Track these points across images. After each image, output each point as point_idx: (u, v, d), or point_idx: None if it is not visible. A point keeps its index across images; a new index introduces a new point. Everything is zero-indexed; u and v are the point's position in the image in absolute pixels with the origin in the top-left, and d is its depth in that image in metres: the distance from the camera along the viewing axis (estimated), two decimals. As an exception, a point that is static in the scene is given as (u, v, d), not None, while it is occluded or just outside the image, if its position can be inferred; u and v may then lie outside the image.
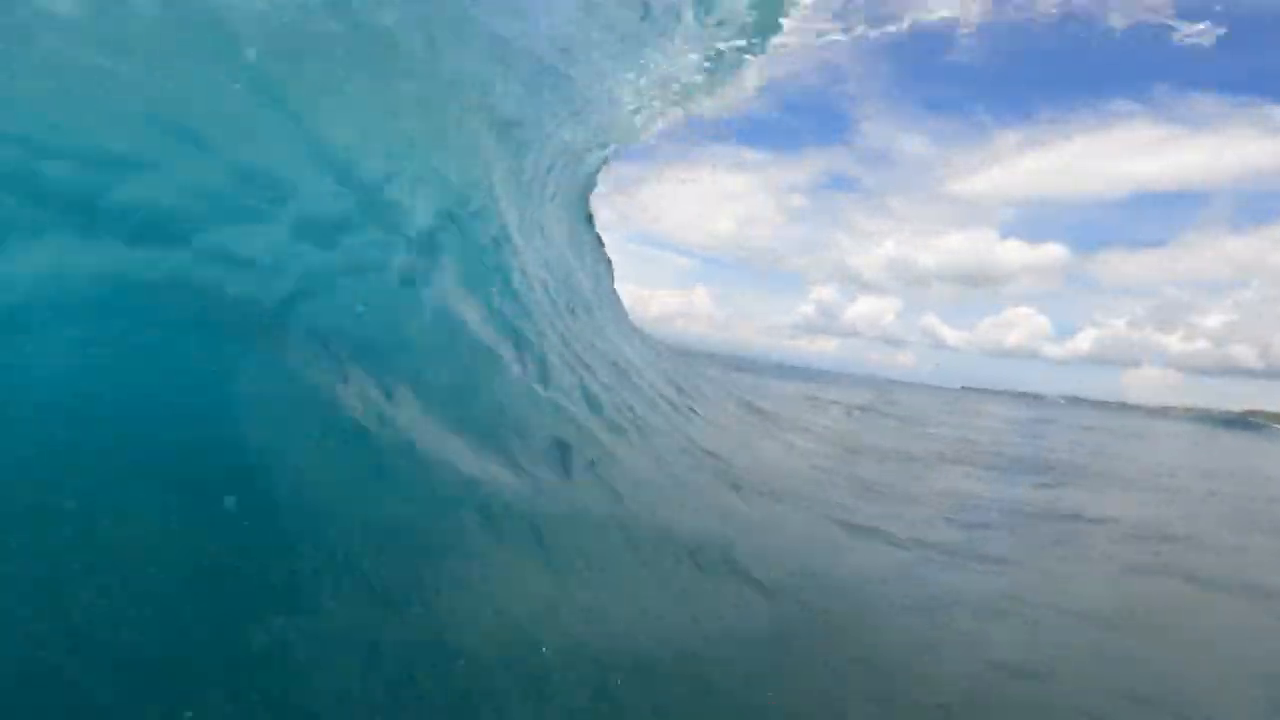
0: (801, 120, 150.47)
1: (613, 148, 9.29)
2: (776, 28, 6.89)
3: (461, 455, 3.33)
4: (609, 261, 11.74)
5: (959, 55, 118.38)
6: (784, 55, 7.17)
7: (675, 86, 7.42)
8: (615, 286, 11.87)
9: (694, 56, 6.84)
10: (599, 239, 11.52)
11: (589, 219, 11.12)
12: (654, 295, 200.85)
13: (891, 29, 7.96)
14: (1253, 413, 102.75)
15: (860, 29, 7.45)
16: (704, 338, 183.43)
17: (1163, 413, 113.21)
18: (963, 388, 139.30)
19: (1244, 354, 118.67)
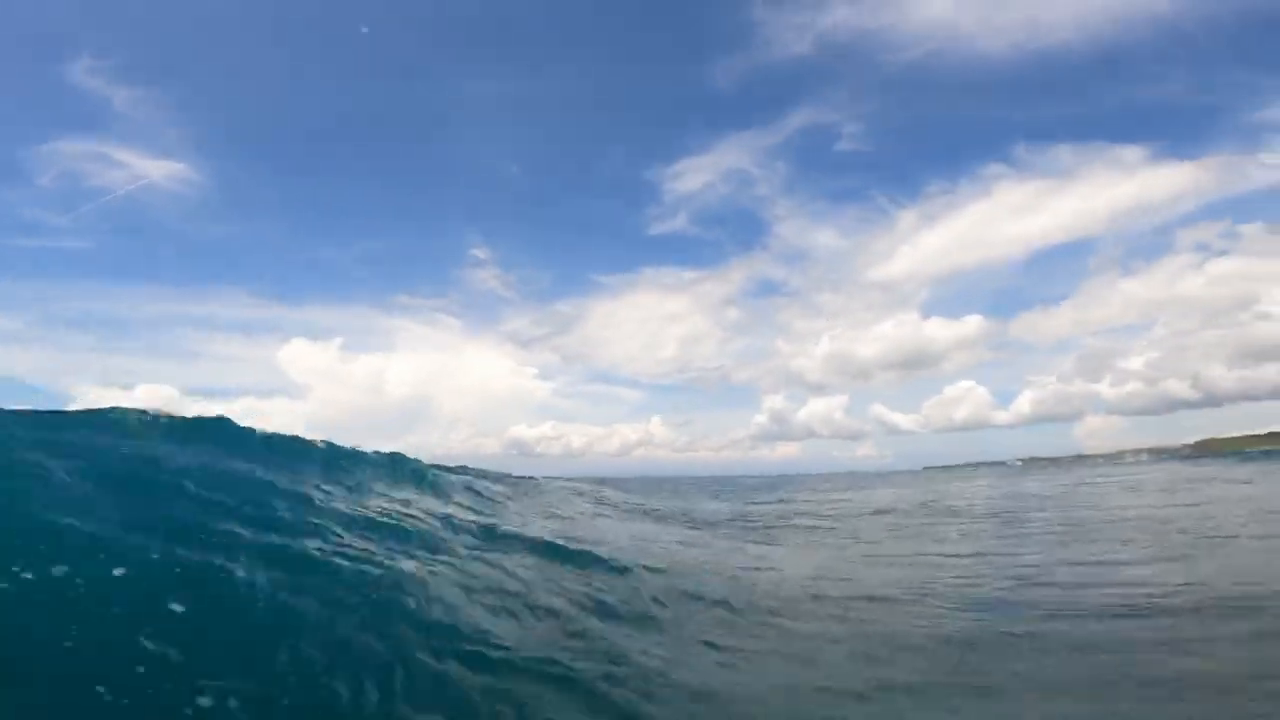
0: (722, 231, 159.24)
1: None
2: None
3: None
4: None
5: (846, 144, 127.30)
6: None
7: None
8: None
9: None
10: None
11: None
12: (612, 431, 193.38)
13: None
14: (1207, 442, 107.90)
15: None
16: (666, 463, 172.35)
17: (1118, 457, 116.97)
18: (925, 468, 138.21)
19: (1176, 387, 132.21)
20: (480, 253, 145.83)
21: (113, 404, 7.63)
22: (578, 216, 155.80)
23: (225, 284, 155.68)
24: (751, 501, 22.16)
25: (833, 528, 12.94)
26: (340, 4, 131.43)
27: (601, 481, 31.98)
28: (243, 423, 8.52)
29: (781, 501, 21.69)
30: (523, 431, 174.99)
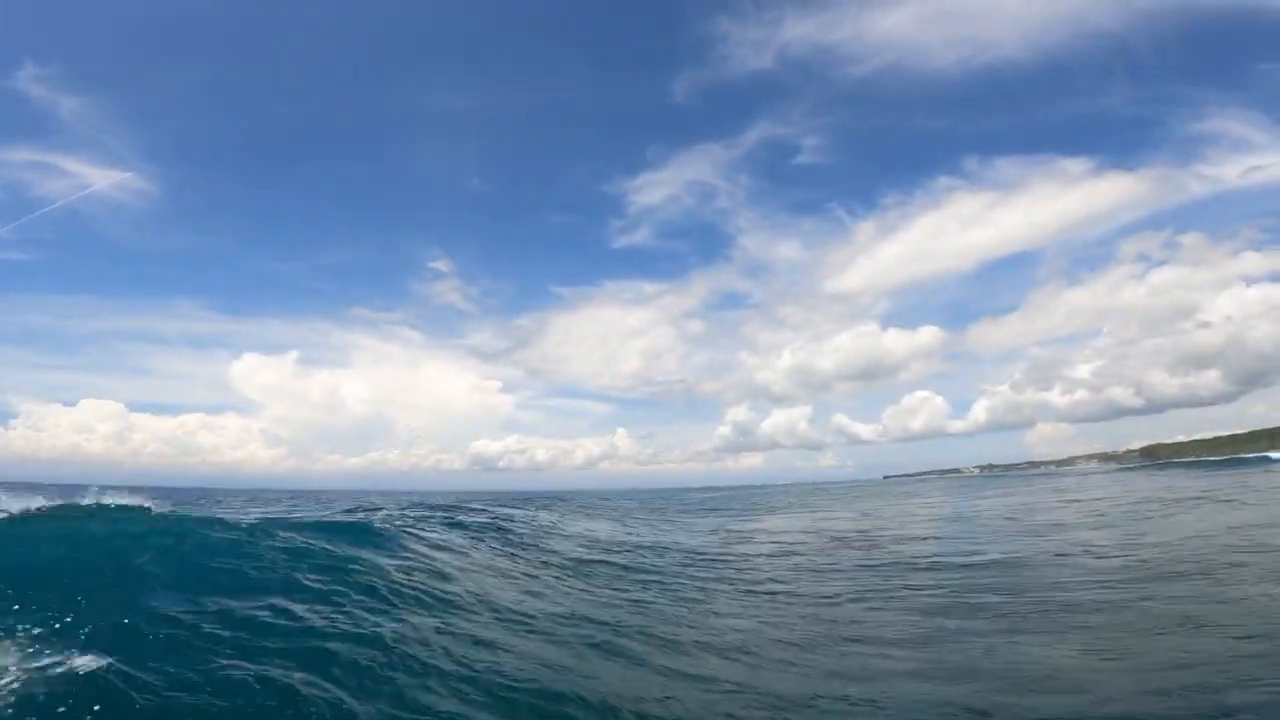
0: (684, 244, 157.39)
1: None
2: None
3: None
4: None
5: (805, 157, 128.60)
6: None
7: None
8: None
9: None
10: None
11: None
12: (577, 445, 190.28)
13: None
14: (1153, 448, 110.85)
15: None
16: (629, 475, 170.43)
17: (1068, 463, 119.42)
18: (885, 477, 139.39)
19: (1121, 395, 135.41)
20: (440, 265, 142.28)
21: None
22: (540, 229, 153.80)
23: (174, 297, 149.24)
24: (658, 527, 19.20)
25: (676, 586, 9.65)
26: (297, 14, 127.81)
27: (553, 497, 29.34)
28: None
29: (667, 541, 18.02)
30: (486, 446, 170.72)
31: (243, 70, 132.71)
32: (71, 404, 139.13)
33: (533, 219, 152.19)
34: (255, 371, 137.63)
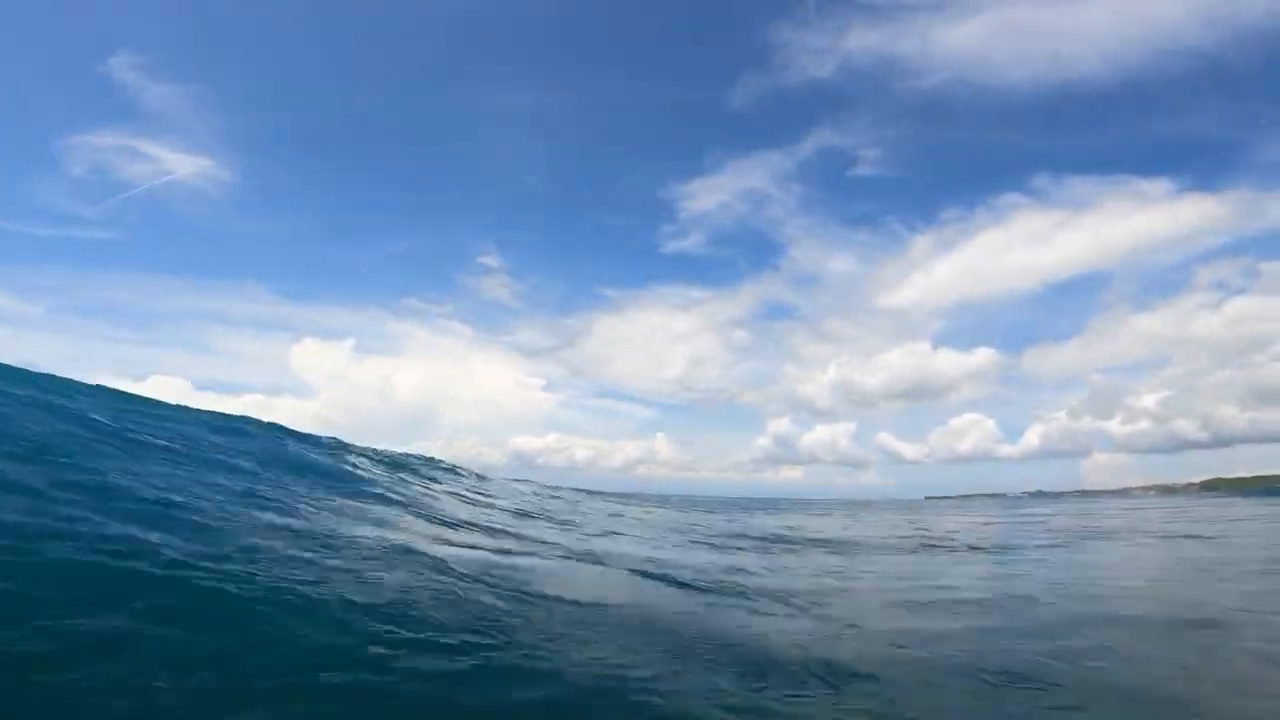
0: (734, 252, 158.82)
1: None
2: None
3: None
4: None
5: (863, 168, 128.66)
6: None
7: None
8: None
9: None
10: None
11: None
12: (616, 447, 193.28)
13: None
14: (1213, 482, 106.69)
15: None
16: (668, 481, 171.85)
17: (1125, 493, 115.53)
18: (926, 497, 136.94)
19: (1186, 427, 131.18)
20: (490, 260, 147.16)
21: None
22: (592, 230, 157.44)
23: (241, 279, 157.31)
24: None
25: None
26: (369, 12, 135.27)
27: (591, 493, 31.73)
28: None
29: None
30: (527, 442, 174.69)
31: (316, 65, 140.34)
32: (141, 378, 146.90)
33: (585, 219, 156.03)
34: (313, 356, 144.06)
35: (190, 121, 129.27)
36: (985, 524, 19.43)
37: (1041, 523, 19.08)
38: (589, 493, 22.25)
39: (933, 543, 12.25)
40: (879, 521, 20.34)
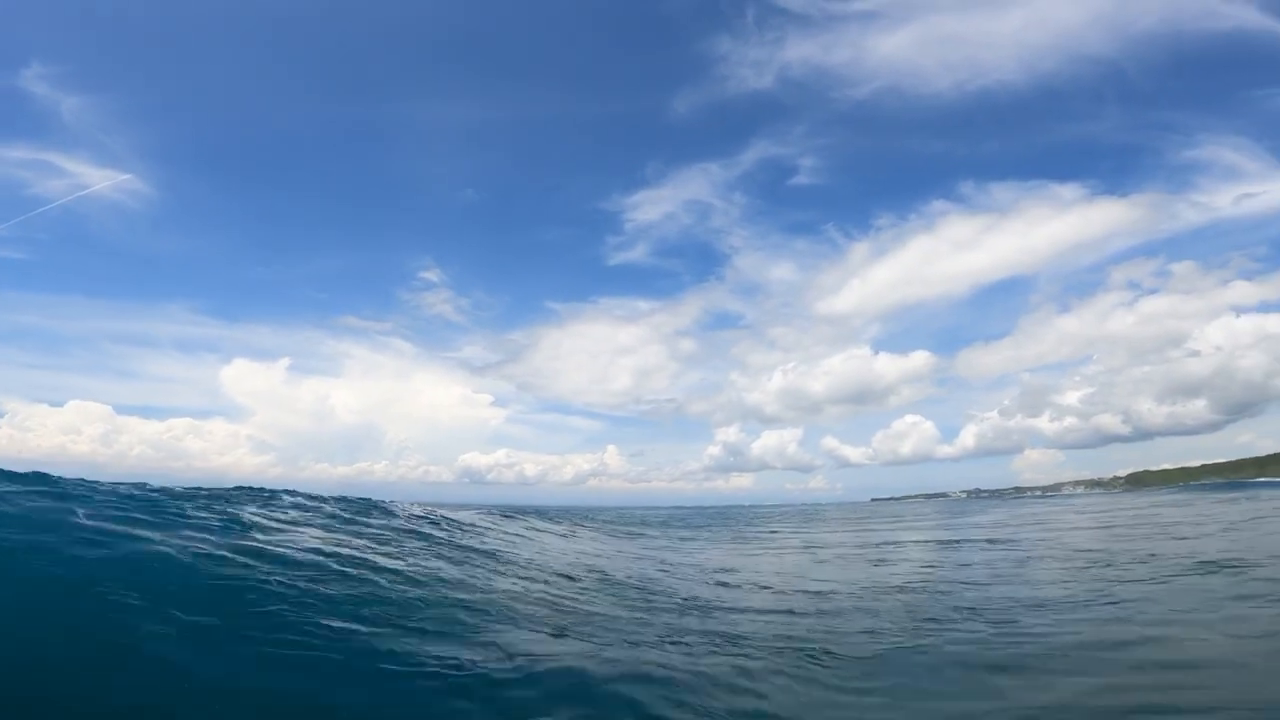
0: (679, 262, 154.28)
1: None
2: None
3: None
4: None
5: (802, 177, 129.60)
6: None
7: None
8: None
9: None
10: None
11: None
12: (566, 461, 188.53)
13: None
14: (1139, 475, 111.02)
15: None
16: (620, 493, 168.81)
17: (1057, 489, 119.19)
18: (872, 499, 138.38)
19: (1109, 423, 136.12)
20: (431, 275, 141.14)
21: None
22: (535, 243, 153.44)
23: (166, 300, 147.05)
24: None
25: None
26: (298, 23, 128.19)
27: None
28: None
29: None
30: (475, 459, 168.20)
31: (243, 76, 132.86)
32: (59, 404, 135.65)
33: (528, 233, 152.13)
34: (245, 377, 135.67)
35: (108, 135, 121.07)
36: (944, 544, 16.73)
37: (1010, 543, 16.58)
38: (509, 515, 18.70)
39: (913, 588, 9.23)
40: (838, 553, 17.33)
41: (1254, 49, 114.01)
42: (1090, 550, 12.37)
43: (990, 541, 15.65)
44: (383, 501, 13.40)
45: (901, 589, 8.74)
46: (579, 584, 8.62)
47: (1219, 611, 6.49)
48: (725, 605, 7.78)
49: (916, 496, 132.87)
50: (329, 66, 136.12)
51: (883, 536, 19.96)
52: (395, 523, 10.85)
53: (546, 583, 8.29)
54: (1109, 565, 9.90)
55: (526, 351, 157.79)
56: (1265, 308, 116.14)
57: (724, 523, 34.75)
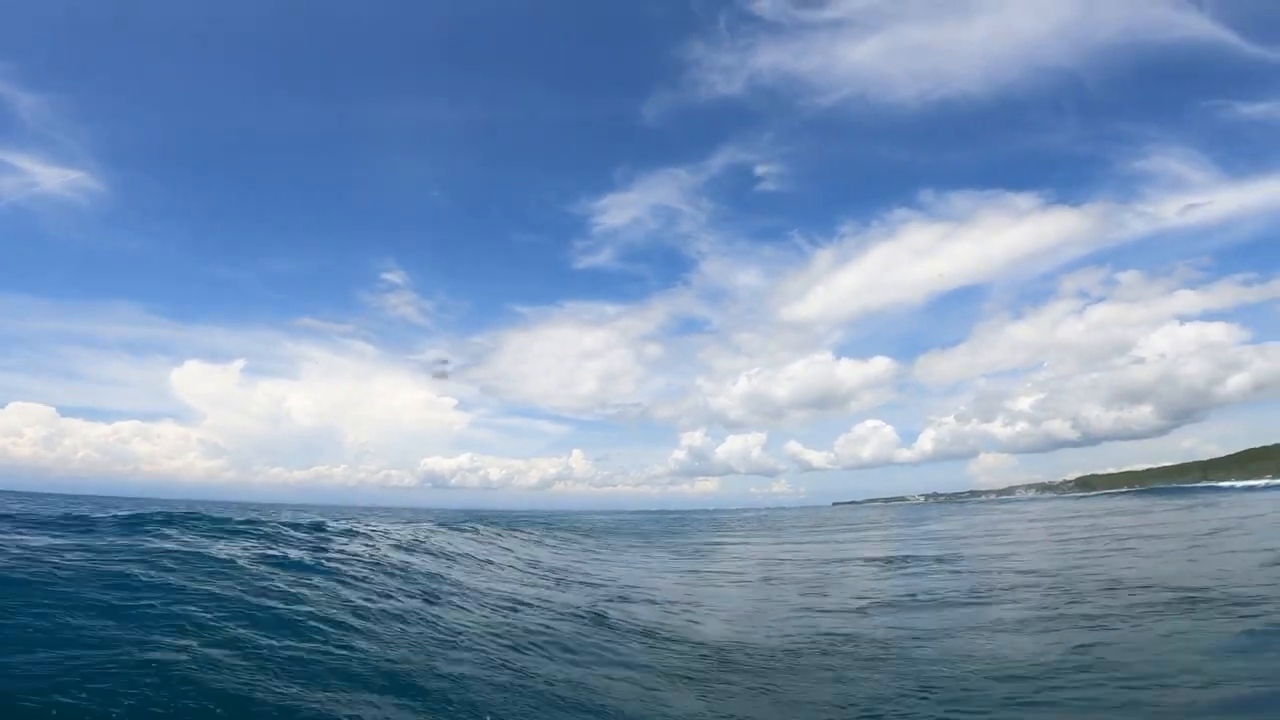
0: (646, 267, 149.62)
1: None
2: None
3: None
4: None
5: (769, 184, 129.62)
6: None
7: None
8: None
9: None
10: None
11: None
12: (531, 465, 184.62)
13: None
14: (1087, 479, 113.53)
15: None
16: (585, 497, 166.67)
17: (1009, 492, 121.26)
18: (834, 504, 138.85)
19: (1059, 427, 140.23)
20: (394, 277, 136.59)
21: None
22: (501, 246, 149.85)
23: (115, 299, 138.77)
24: None
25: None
26: (259, 20, 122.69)
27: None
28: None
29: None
30: (438, 463, 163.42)
31: (204, 74, 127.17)
32: (0, 406, 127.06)
33: (494, 236, 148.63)
34: (197, 379, 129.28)
35: (61, 132, 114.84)
36: (892, 564, 15.12)
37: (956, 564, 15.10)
38: (450, 527, 16.43)
39: (842, 639, 7.40)
40: (776, 572, 15.56)
41: (1206, 60, 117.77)
42: (1047, 574, 10.83)
43: (940, 560, 14.10)
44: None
45: (828, 643, 6.87)
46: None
47: (1231, 678, 4.81)
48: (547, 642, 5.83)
49: (877, 500, 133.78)
50: (293, 65, 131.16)
51: (831, 551, 18.36)
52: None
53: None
54: (1072, 599, 8.27)
55: (491, 355, 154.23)
56: (1208, 316, 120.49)
57: (679, 529, 33.01)
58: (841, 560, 15.47)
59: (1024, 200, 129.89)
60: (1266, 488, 61.90)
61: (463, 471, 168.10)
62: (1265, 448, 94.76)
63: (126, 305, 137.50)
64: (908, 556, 15.08)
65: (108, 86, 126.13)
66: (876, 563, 14.50)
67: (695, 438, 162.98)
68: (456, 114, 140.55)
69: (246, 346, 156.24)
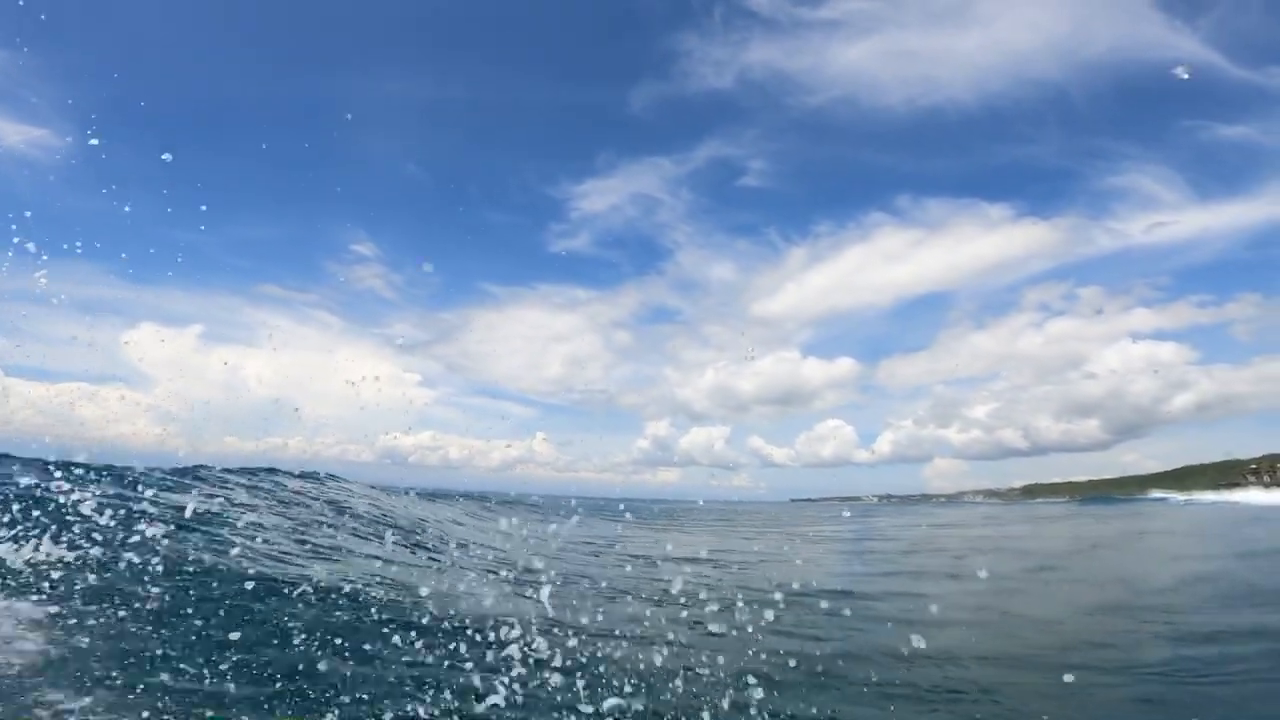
0: (620, 254, 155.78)
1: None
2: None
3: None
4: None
5: (750, 179, 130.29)
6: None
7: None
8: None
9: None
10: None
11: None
12: (493, 447, 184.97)
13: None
14: (1032, 487, 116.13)
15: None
16: (547, 481, 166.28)
17: (959, 497, 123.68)
18: (792, 500, 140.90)
19: (1010, 436, 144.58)
20: (363, 249, 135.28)
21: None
22: (476, 224, 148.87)
23: (67, 258, 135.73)
24: None
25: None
26: None
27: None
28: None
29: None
30: (399, 440, 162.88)
31: (176, 37, 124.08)
32: None
33: (470, 213, 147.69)
34: (151, 343, 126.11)
35: (26, 88, 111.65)
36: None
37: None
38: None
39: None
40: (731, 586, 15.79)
41: (1192, 81, 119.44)
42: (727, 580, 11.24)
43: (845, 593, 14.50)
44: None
45: None
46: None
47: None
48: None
49: (833, 499, 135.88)
50: (273, 32, 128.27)
51: (743, 576, 18.64)
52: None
53: None
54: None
55: (458, 332, 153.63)
56: (1160, 335, 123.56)
57: (607, 517, 32.87)
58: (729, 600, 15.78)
59: (997, 211, 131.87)
60: (1186, 504, 63.91)
61: (423, 449, 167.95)
62: (1201, 465, 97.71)
63: (78, 263, 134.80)
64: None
65: (77, 44, 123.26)
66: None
67: (660, 427, 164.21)
68: (439, 91, 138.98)
69: (205, 311, 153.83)
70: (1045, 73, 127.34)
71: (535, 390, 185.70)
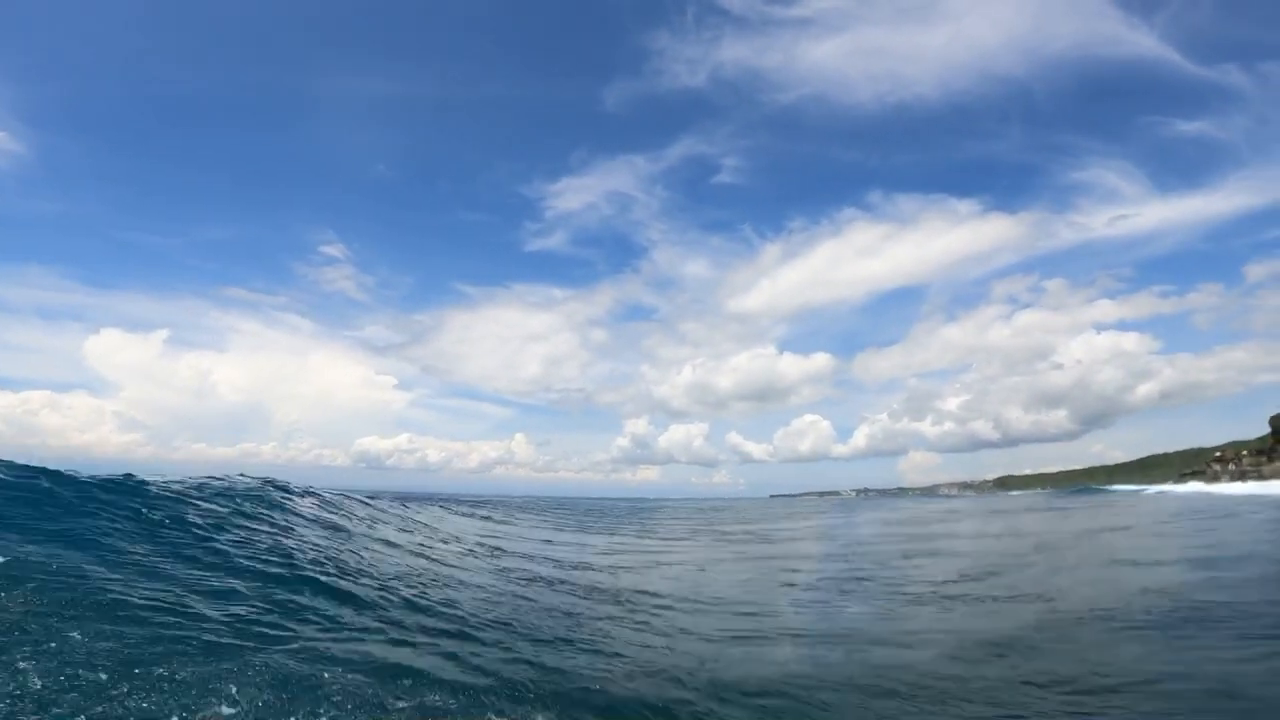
0: (596, 252, 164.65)
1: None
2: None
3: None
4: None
5: (724, 176, 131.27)
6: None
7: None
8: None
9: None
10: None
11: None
12: (472, 448, 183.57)
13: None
14: (1005, 479, 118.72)
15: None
16: (527, 482, 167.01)
17: (934, 490, 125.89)
18: (771, 496, 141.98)
19: (982, 428, 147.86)
20: (333, 250, 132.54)
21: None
22: (449, 224, 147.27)
23: (27, 263, 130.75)
24: None
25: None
26: None
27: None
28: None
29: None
30: (375, 444, 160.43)
31: (135, 36, 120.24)
32: None
33: (443, 213, 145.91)
34: (115, 349, 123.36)
35: None
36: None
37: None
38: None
39: None
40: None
41: (1150, 77, 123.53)
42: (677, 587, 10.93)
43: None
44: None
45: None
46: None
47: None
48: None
49: (811, 494, 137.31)
50: (236, 28, 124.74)
51: (697, 586, 18.32)
52: None
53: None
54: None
55: (433, 333, 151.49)
56: (1123, 326, 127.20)
57: (572, 518, 31.91)
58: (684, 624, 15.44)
59: (965, 205, 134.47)
60: (1157, 495, 65.69)
61: (400, 452, 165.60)
62: (1165, 454, 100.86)
63: (39, 269, 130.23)
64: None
65: (36, 49, 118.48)
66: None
67: (638, 425, 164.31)
68: (409, 88, 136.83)
69: (170, 316, 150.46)
70: (1009, 69, 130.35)
71: (512, 390, 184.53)
